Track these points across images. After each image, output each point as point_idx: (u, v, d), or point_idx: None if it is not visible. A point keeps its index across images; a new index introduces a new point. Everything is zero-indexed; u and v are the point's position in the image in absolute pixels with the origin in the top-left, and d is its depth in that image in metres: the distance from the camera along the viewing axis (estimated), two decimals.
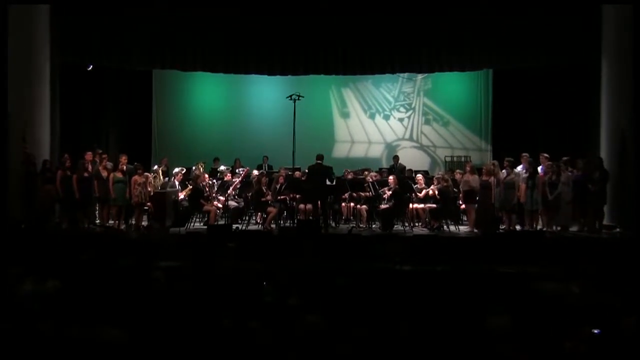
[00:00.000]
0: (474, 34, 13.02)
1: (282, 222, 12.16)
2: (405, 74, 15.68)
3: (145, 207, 11.86)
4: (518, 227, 11.55)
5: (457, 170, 12.91)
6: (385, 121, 16.57)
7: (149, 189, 11.82)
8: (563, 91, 13.91)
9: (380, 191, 11.95)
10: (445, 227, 11.79)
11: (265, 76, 14.45)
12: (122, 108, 15.59)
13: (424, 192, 11.95)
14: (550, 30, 12.67)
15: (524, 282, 5.74)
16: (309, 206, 11.84)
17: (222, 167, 13.47)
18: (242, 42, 13.34)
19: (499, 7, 12.65)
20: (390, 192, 11.70)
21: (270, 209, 11.80)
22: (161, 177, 12.61)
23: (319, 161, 11.79)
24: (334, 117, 16.64)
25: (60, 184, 11.45)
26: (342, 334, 4.12)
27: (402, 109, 16.53)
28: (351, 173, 12.94)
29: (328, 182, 11.88)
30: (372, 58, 13.51)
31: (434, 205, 11.82)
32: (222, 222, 12.13)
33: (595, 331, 4.06)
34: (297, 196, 12.04)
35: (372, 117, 16.60)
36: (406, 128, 16.52)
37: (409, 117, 16.52)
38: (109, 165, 11.96)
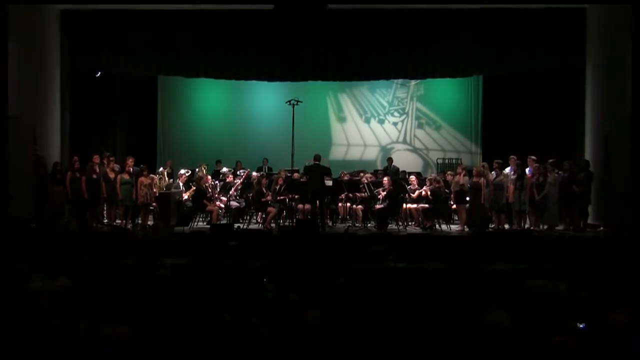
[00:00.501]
0: (465, 43, 13.08)
1: (281, 221, 12.20)
2: (399, 80, 15.82)
3: (151, 207, 11.95)
4: (507, 226, 11.65)
5: (449, 172, 12.96)
6: (380, 125, 16.63)
7: (155, 190, 11.91)
8: (550, 96, 13.96)
9: (375, 192, 12.03)
10: (437, 226, 11.91)
11: (266, 82, 14.47)
12: (129, 112, 15.60)
13: (417, 192, 12.01)
14: (536, 38, 12.82)
15: (514, 279, 5.70)
16: (308, 206, 11.89)
17: (224, 169, 13.53)
18: (244, 49, 13.37)
19: (489, 18, 12.82)
20: (385, 193, 11.79)
21: (270, 209, 11.88)
22: (166, 179, 12.68)
23: (316, 161, 11.86)
24: (331, 121, 16.68)
25: (69, 185, 11.55)
26: (339, 329, 4.09)
27: (396, 114, 16.59)
28: (347, 175, 12.96)
29: (327, 181, 11.89)
30: (368, 65, 13.55)
31: (427, 206, 11.90)
32: (224, 221, 12.16)
33: (581, 325, 4.10)
34: (296, 197, 12.09)
35: (367, 121, 16.66)
36: (400, 132, 16.59)
37: (402, 121, 16.58)
38: (116, 167, 12.08)
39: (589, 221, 11.61)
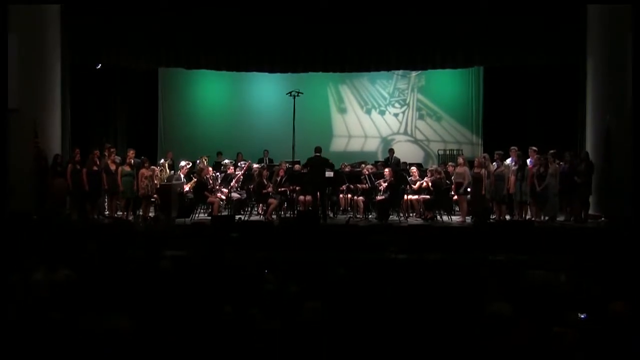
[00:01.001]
0: (466, 34, 13.09)
1: (282, 213, 12.18)
2: (400, 72, 15.81)
3: (152, 199, 11.96)
4: (508, 217, 11.65)
5: (450, 163, 12.99)
6: (380, 116, 16.62)
7: (156, 182, 11.89)
8: (551, 88, 13.99)
9: (376, 183, 12.00)
10: (438, 217, 11.91)
11: (266, 74, 14.52)
12: (130, 105, 15.62)
13: (418, 184, 12.00)
14: (538, 31, 12.79)
15: (515, 270, 5.75)
16: (309, 197, 11.89)
17: (225, 161, 13.53)
18: (244, 41, 13.37)
19: (490, 9, 12.73)
20: (386, 184, 11.76)
21: (271, 200, 11.89)
22: (167, 171, 12.64)
23: (317, 153, 11.86)
24: (332, 112, 16.69)
25: (70, 177, 11.54)
26: (340, 320, 4.11)
27: (397, 105, 16.58)
28: (348, 166, 12.97)
29: (328, 172, 11.89)
30: (369, 56, 13.57)
31: (428, 197, 11.90)
32: (225, 213, 12.23)
33: (582, 316, 4.15)
34: (297, 188, 12.08)
35: (368, 112, 16.66)
36: (401, 123, 16.59)
37: (403, 113, 16.58)
38: (117, 159, 12.07)
39: (590, 212, 11.60)
